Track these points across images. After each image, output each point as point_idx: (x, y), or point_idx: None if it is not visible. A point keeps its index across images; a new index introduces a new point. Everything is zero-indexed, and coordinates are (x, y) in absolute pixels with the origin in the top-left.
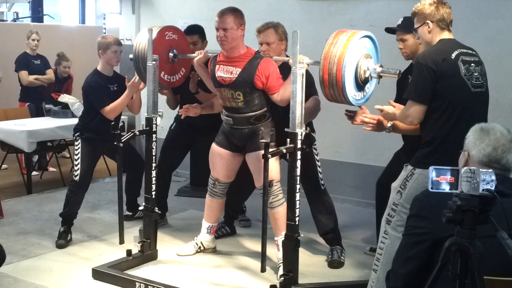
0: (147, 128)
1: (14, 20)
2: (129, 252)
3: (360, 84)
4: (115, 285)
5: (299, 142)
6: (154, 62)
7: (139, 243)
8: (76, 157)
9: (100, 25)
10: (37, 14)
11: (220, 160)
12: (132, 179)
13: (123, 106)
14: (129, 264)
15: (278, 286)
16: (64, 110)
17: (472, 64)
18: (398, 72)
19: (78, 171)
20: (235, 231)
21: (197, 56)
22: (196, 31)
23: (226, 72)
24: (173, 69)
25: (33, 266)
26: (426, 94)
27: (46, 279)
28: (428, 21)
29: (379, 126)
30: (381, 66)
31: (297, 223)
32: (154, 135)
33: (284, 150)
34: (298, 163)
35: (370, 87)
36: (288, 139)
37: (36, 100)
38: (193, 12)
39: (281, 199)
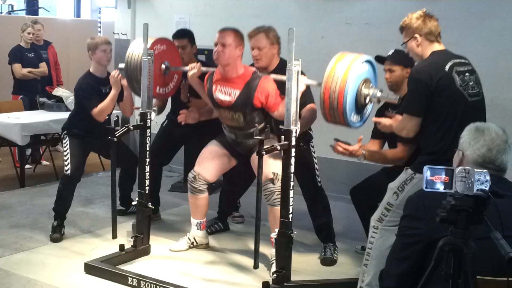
0: (142, 123)
1: (9, 12)
2: (121, 247)
3: (359, 108)
4: (107, 279)
5: (293, 139)
6: (149, 57)
7: (132, 238)
8: (65, 153)
9: (95, 19)
10: (32, 7)
11: (214, 156)
12: (125, 174)
13: (111, 107)
14: (122, 259)
15: (270, 282)
16: (58, 103)
17: (467, 74)
18: (398, 98)
19: (69, 166)
20: (228, 228)
21: (191, 71)
22: (185, 35)
23: (224, 94)
24: (165, 80)
25: (25, 259)
26: (421, 107)
27: (39, 273)
28: (416, 35)
29: (350, 155)
30: (381, 91)
31: (290, 220)
32: (148, 130)
33: (279, 147)
34: (292, 160)
35: (368, 110)
36: (283, 136)
37: (30, 93)
38: (189, 7)
39: None
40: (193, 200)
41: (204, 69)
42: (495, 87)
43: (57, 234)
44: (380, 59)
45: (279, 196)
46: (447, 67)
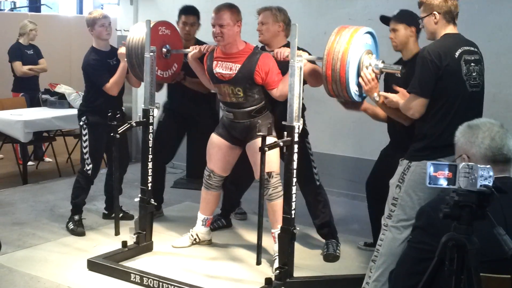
0: (144, 119)
1: (12, 9)
2: (124, 244)
3: None
4: (110, 276)
5: (296, 135)
6: (151, 54)
7: (134, 234)
8: (85, 150)
9: None
10: (34, 3)
11: (218, 151)
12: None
13: (123, 79)
14: (125, 255)
15: (273, 278)
16: (61, 100)
17: (472, 64)
18: (400, 68)
19: (91, 166)
20: (231, 224)
21: (192, 51)
22: (194, 12)
23: (225, 68)
24: (166, 64)
25: (28, 256)
26: (429, 88)
27: (41, 270)
28: (435, 12)
29: (370, 89)
30: (383, 62)
31: (293, 216)
32: (151, 127)
33: (281, 143)
34: (295, 156)
35: None
36: (286, 132)
37: (30, 91)
38: (192, 3)
39: (281, 191)
40: (206, 195)
41: (204, 50)
42: (498, 83)
43: (81, 228)
44: (385, 19)
45: (274, 191)
46: (457, 54)
